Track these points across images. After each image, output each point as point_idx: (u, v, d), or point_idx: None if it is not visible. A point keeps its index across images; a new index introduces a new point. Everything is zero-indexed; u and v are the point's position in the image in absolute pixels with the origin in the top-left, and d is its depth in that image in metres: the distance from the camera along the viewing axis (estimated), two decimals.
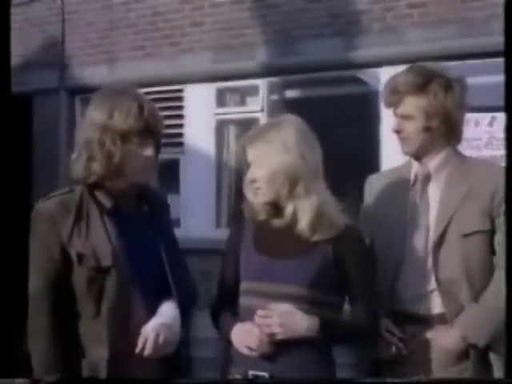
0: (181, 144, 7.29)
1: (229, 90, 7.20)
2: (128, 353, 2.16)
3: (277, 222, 2.35)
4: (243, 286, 2.37)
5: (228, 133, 7.28)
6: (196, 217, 7.12)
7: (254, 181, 2.35)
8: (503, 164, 2.51)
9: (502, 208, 2.48)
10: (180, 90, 7.35)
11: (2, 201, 2.41)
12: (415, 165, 2.66)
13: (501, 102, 2.58)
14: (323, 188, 2.33)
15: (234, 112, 7.20)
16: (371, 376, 2.66)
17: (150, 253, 2.30)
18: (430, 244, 2.54)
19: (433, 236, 2.54)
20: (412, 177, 2.66)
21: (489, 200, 2.51)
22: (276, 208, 2.34)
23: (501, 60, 2.67)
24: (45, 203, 2.24)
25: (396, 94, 2.59)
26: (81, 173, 2.23)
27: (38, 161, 7.96)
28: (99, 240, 2.19)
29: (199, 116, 7.20)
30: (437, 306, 2.53)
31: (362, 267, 2.32)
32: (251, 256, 2.38)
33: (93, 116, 2.23)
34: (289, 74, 6.81)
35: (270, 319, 2.22)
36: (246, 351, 2.25)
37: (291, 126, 2.33)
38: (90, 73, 7.64)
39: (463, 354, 2.49)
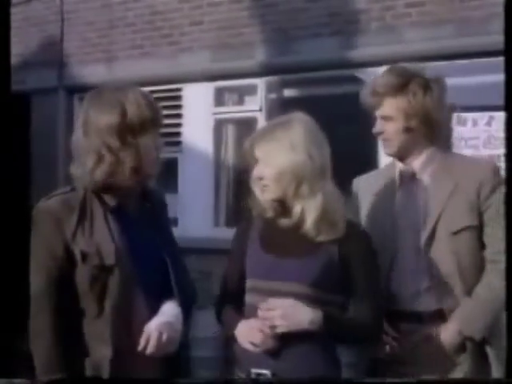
0: (179, 143, 7.29)
1: (227, 89, 7.20)
2: (131, 352, 2.16)
3: (284, 222, 2.36)
4: (249, 283, 2.39)
5: (226, 132, 7.28)
6: (194, 216, 7.11)
7: (261, 178, 2.36)
8: (502, 164, 2.53)
9: (489, 202, 2.53)
10: (178, 89, 7.35)
11: (1, 200, 2.41)
12: (399, 165, 2.68)
13: (499, 101, 2.59)
14: (331, 188, 2.34)
15: (233, 111, 7.20)
16: (370, 375, 2.67)
17: (152, 252, 2.31)
18: (421, 243, 2.56)
19: (423, 235, 2.56)
20: (397, 177, 2.68)
21: (475, 195, 2.53)
22: (283, 206, 2.36)
23: (499, 59, 2.68)
24: (47, 202, 2.24)
25: (375, 96, 2.62)
26: (102, 179, 2.20)
27: (37, 160, 7.96)
28: (103, 238, 2.19)
29: (197, 115, 7.19)
30: (432, 303, 2.55)
31: (368, 267, 2.33)
32: (257, 254, 2.39)
33: (101, 119, 2.20)
34: (287, 73, 6.81)
35: (273, 312, 2.22)
36: (249, 347, 2.26)
37: (300, 125, 2.34)
38: (89, 72, 7.64)
39: (460, 349, 2.52)
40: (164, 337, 2.16)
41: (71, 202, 2.23)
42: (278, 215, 2.38)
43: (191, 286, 2.46)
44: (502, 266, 2.46)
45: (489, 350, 2.52)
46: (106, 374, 2.17)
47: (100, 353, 2.18)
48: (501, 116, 5.42)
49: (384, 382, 2.54)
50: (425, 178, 2.62)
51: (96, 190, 2.24)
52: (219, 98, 7.18)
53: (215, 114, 7.17)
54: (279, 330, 2.22)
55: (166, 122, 6.85)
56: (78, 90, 7.52)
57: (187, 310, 2.32)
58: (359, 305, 2.32)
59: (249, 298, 2.38)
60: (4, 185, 2.45)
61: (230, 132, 7.29)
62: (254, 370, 2.30)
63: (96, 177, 2.20)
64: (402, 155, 2.65)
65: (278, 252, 2.32)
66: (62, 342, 2.16)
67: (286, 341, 2.25)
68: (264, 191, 2.36)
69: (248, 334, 2.28)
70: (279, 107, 6.91)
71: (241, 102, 7.26)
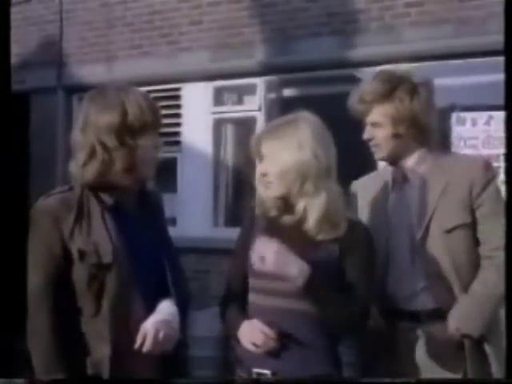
0: (178, 143, 7.29)
1: (226, 89, 7.20)
2: (129, 350, 2.16)
3: (287, 219, 2.37)
4: (251, 283, 2.39)
5: (225, 132, 7.27)
6: (193, 215, 7.11)
7: (265, 175, 2.36)
8: (501, 163, 2.54)
9: (481, 199, 2.54)
10: (178, 89, 7.35)
11: (0, 199, 2.41)
12: (391, 168, 2.71)
13: (498, 100, 2.59)
14: (335, 188, 2.35)
15: (232, 111, 7.20)
16: (368, 375, 2.67)
17: (150, 251, 2.31)
18: (415, 242, 2.56)
19: (417, 234, 2.57)
20: (390, 180, 2.70)
21: (467, 193, 2.55)
22: (286, 205, 2.36)
23: (499, 59, 2.68)
24: (46, 201, 2.24)
25: (363, 104, 2.64)
26: (93, 176, 2.22)
27: (36, 159, 7.95)
28: (100, 237, 2.20)
29: (197, 115, 7.19)
30: (429, 302, 2.56)
31: (362, 261, 2.32)
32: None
33: (101, 117, 2.21)
34: (286, 73, 6.81)
35: (265, 253, 2.21)
36: (251, 348, 2.27)
37: (307, 124, 2.35)
38: (88, 71, 7.64)
39: (458, 347, 2.51)
40: (161, 335, 2.17)
41: (69, 200, 2.24)
42: (281, 213, 2.38)
43: (187, 285, 2.47)
44: (497, 261, 2.48)
45: (487, 347, 2.53)
46: (105, 372, 2.18)
47: (99, 351, 2.18)
48: (500, 116, 5.42)
49: (383, 382, 2.54)
50: (416, 178, 2.64)
51: (92, 188, 2.25)
52: (218, 97, 7.18)
53: (214, 113, 7.17)
54: (268, 267, 2.20)
55: (165, 121, 6.86)
56: (77, 89, 7.51)
57: (184, 308, 2.32)
58: (348, 293, 2.31)
59: (251, 298, 2.39)
60: (3, 184, 2.45)
61: (229, 132, 7.29)
62: (255, 370, 2.30)
63: (87, 173, 2.22)
64: (393, 159, 2.69)
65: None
66: (60, 341, 2.16)
67: (287, 342, 2.26)
68: (268, 188, 2.37)
69: (250, 334, 2.28)
70: (278, 107, 6.91)
71: (240, 101, 7.26)
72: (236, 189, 7.23)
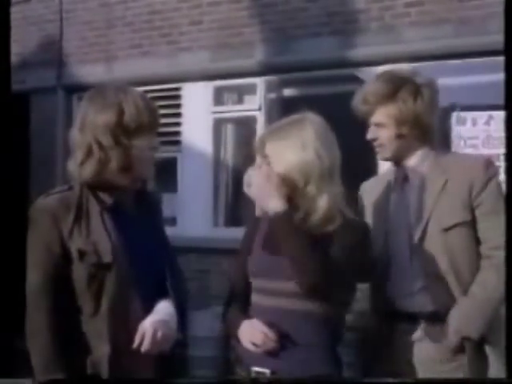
0: (178, 142, 7.29)
1: (226, 89, 7.20)
2: (128, 349, 2.17)
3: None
4: (252, 283, 2.41)
5: (226, 131, 7.27)
6: (193, 215, 7.11)
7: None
8: (501, 163, 2.53)
9: (481, 198, 2.53)
10: (177, 89, 7.35)
11: (0, 199, 2.41)
12: (394, 168, 2.71)
13: (498, 100, 2.59)
14: (338, 189, 2.35)
15: (232, 110, 7.20)
16: (367, 375, 2.67)
17: (148, 251, 2.32)
18: (414, 242, 2.56)
19: (416, 233, 2.56)
20: (392, 180, 2.71)
21: (467, 191, 2.54)
22: (289, 205, 2.36)
23: (498, 59, 2.68)
24: (45, 200, 2.25)
25: (366, 105, 2.65)
26: (91, 175, 2.23)
27: (36, 159, 7.96)
28: (100, 237, 2.20)
29: (197, 114, 7.19)
30: (428, 303, 2.55)
31: (350, 254, 2.29)
32: (259, 254, 2.42)
33: (98, 117, 2.23)
34: (286, 73, 6.81)
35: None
36: (250, 347, 2.28)
37: (311, 125, 2.36)
38: (88, 71, 7.64)
39: (459, 350, 2.51)
40: (159, 334, 2.18)
41: (68, 200, 2.25)
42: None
43: (185, 286, 2.48)
44: (496, 261, 2.47)
45: (488, 349, 2.52)
46: (104, 371, 2.18)
47: (98, 351, 2.19)
48: (500, 115, 5.42)
49: (383, 382, 2.54)
50: (417, 177, 2.64)
51: (91, 188, 2.26)
52: (218, 97, 7.18)
53: (214, 113, 7.16)
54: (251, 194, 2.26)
55: (165, 121, 6.88)
56: (77, 89, 7.51)
57: (181, 309, 2.33)
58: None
59: (253, 298, 2.41)
60: (3, 184, 2.45)
61: (229, 131, 7.29)
62: (254, 369, 2.31)
63: (85, 172, 2.23)
64: (396, 159, 2.70)
65: (276, 251, 2.33)
66: (59, 341, 2.16)
67: (287, 342, 2.27)
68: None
69: (250, 334, 2.29)
70: (279, 107, 6.92)
71: (240, 101, 7.26)
72: (236, 189, 7.23)
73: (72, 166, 2.27)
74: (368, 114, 2.66)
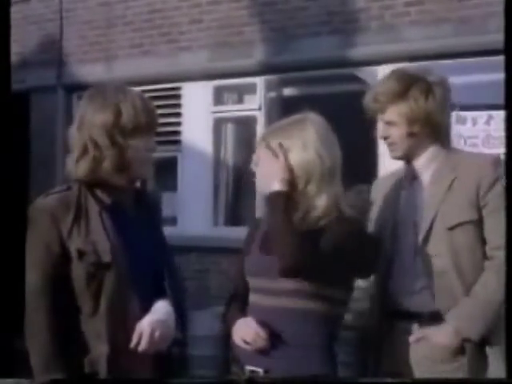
0: (178, 142, 7.29)
1: (226, 88, 7.20)
2: (126, 349, 2.18)
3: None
4: (250, 282, 2.41)
5: (226, 131, 7.28)
6: (193, 215, 7.12)
7: (254, 176, 2.39)
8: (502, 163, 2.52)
9: (488, 197, 2.51)
10: (177, 88, 7.35)
11: (0, 199, 2.41)
12: (405, 166, 2.71)
13: (497, 100, 2.59)
14: (338, 189, 2.36)
15: (232, 110, 7.20)
16: (366, 374, 2.67)
17: (147, 251, 2.32)
18: (419, 240, 2.55)
19: (421, 231, 2.56)
20: (402, 178, 2.70)
21: (474, 190, 2.52)
22: (290, 204, 2.37)
23: (498, 58, 2.68)
24: (45, 200, 2.26)
25: (377, 103, 2.63)
26: (85, 173, 2.24)
27: (36, 158, 7.96)
28: (99, 236, 2.21)
29: (197, 114, 7.19)
30: (430, 302, 2.54)
31: (339, 248, 2.29)
32: (256, 254, 2.42)
33: (96, 116, 2.24)
34: (286, 72, 6.81)
35: None
36: (241, 345, 2.29)
37: (313, 126, 2.36)
38: (88, 70, 7.64)
39: (459, 351, 2.49)
40: (156, 334, 2.18)
41: (67, 199, 2.25)
42: None
43: (182, 285, 2.49)
44: (497, 262, 2.45)
45: (488, 350, 2.49)
46: (103, 370, 2.18)
47: (97, 350, 2.19)
48: (499, 115, 5.42)
49: (381, 382, 2.54)
50: (427, 176, 2.63)
51: (90, 188, 2.27)
52: (218, 96, 7.19)
53: (214, 112, 7.17)
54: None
55: (166, 120, 6.89)
56: (77, 88, 7.51)
57: (179, 308, 2.33)
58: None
59: (251, 297, 2.41)
60: (3, 183, 2.45)
61: (229, 131, 7.29)
62: (248, 367, 2.32)
63: (79, 169, 2.24)
64: (407, 158, 2.67)
65: (272, 251, 2.34)
66: (58, 340, 2.17)
67: (280, 341, 2.28)
68: (258, 189, 2.38)
69: (242, 331, 2.31)
70: (279, 106, 6.92)
71: (240, 100, 7.27)
72: (236, 188, 7.23)
73: (69, 163, 2.28)
74: (379, 112, 2.65)
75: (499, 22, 2.67)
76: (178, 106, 7.33)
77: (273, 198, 2.29)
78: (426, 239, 2.54)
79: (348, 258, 2.29)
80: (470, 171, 2.56)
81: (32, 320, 2.19)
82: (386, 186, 2.76)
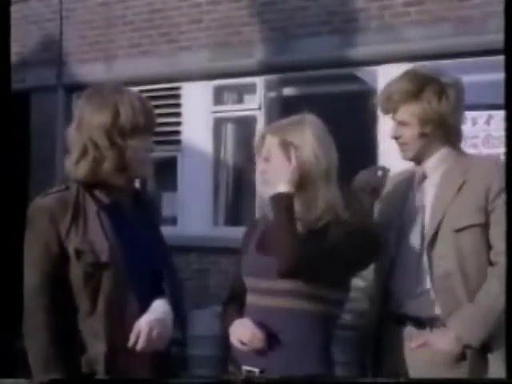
0: (178, 142, 7.29)
1: (226, 88, 7.20)
2: (124, 348, 2.18)
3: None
4: (247, 282, 2.41)
5: (225, 131, 7.28)
6: (193, 215, 7.12)
7: (264, 172, 2.38)
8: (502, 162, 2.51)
9: (497, 202, 2.49)
10: (177, 88, 7.35)
11: (0, 198, 2.42)
12: (414, 167, 2.69)
13: (497, 99, 2.58)
14: (334, 191, 2.36)
15: (232, 110, 7.20)
16: (365, 375, 2.66)
17: (144, 250, 2.33)
18: (425, 241, 2.54)
19: (428, 233, 2.54)
20: (411, 178, 2.68)
21: (483, 194, 2.50)
22: None
23: (497, 58, 2.68)
24: (43, 199, 2.26)
25: (391, 102, 2.62)
26: (85, 174, 2.24)
27: (36, 158, 7.96)
28: (97, 236, 2.21)
29: (197, 114, 7.19)
30: (432, 307, 2.52)
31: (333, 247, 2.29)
32: (252, 254, 2.43)
33: (94, 117, 2.25)
34: (286, 72, 6.81)
35: None
36: (238, 345, 2.30)
37: (310, 126, 2.37)
38: (88, 70, 7.64)
39: (460, 357, 2.47)
40: (154, 333, 2.18)
41: (66, 199, 2.26)
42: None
43: (181, 285, 2.49)
44: (499, 267, 2.42)
45: (490, 357, 2.47)
46: (101, 370, 2.19)
47: (95, 349, 2.19)
48: (499, 115, 5.43)
49: (376, 382, 2.53)
50: (435, 177, 2.61)
51: (88, 187, 2.28)
52: (218, 96, 7.19)
53: (214, 112, 7.17)
54: None
55: (165, 120, 6.89)
56: (77, 88, 7.50)
57: (177, 307, 2.34)
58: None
59: (248, 297, 2.41)
60: (3, 183, 2.46)
61: (229, 131, 7.29)
62: (245, 367, 2.32)
63: (79, 170, 2.25)
64: (418, 159, 2.65)
65: (269, 251, 2.34)
66: (56, 340, 2.17)
67: (277, 341, 2.28)
68: (266, 186, 2.38)
69: (238, 332, 2.31)
70: (279, 106, 6.92)
71: (240, 100, 7.27)
72: (236, 188, 7.24)
73: (68, 164, 2.29)
74: (391, 111, 2.64)
75: (499, 21, 2.67)
76: (178, 105, 7.33)
77: (280, 199, 2.28)
78: (433, 241, 2.52)
79: (344, 259, 2.30)
80: (480, 175, 2.53)
81: (30, 320, 2.20)
82: (392, 186, 2.75)
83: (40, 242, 2.22)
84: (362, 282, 4.17)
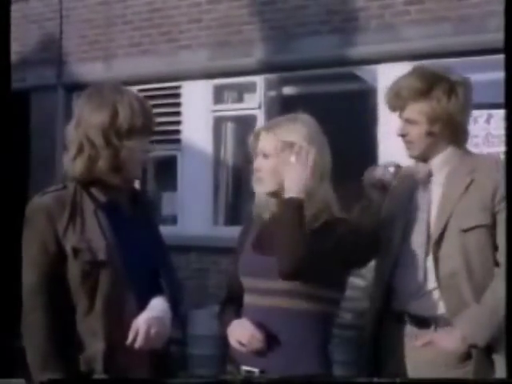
0: (178, 141, 7.28)
1: (226, 87, 7.20)
2: (123, 346, 2.18)
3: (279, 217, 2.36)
4: (244, 282, 2.41)
5: (225, 130, 7.28)
6: (193, 214, 7.11)
7: (258, 170, 2.39)
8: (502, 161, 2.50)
9: (503, 204, 2.46)
10: (177, 87, 7.35)
11: (0, 198, 2.42)
12: (420, 164, 2.67)
13: (497, 98, 2.58)
14: (328, 190, 2.36)
15: (232, 109, 7.20)
16: (364, 374, 2.65)
17: (142, 249, 2.34)
18: (431, 240, 2.53)
19: (434, 232, 2.53)
20: (416, 176, 2.66)
21: (490, 194, 2.49)
22: (279, 203, 2.36)
23: (497, 57, 2.68)
24: (41, 198, 2.27)
25: (399, 99, 2.59)
26: (81, 171, 2.25)
27: (36, 157, 7.96)
28: (94, 234, 2.22)
29: (197, 113, 7.19)
30: (437, 306, 2.52)
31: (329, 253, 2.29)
32: (248, 254, 2.43)
33: (93, 116, 2.25)
34: (286, 71, 6.81)
35: None
36: (237, 346, 2.29)
37: (304, 125, 2.37)
38: (88, 69, 7.64)
39: (466, 356, 2.46)
40: (152, 331, 2.19)
41: (63, 198, 2.27)
42: (274, 212, 2.39)
43: (179, 283, 2.49)
44: (504, 268, 2.40)
45: (495, 357, 2.46)
46: (99, 368, 2.19)
47: (93, 347, 2.20)
48: (499, 114, 5.42)
49: (371, 382, 2.53)
50: (441, 176, 2.60)
51: (85, 186, 2.29)
52: (218, 95, 7.18)
53: (214, 111, 7.17)
54: None
55: (165, 119, 6.89)
56: (77, 87, 7.50)
57: (175, 306, 2.34)
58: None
59: (246, 298, 2.41)
60: (3, 182, 2.46)
61: (229, 130, 7.29)
62: (244, 368, 2.32)
63: (76, 168, 2.26)
64: (424, 158, 2.63)
65: (266, 251, 2.34)
66: (54, 339, 2.17)
67: (276, 341, 2.28)
68: (260, 183, 2.39)
69: (237, 333, 2.31)
70: (278, 105, 6.92)
71: (240, 99, 7.27)
72: (236, 187, 7.23)
73: (66, 161, 2.29)
74: (399, 109, 2.62)
75: (499, 20, 2.67)
76: (178, 104, 7.33)
77: (293, 204, 2.26)
78: (439, 240, 2.51)
79: (341, 259, 2.30)
80: (487, 175, 2.52)
81: (28, 319, 2.20)
82: (397, 184, 2.73)
83: (38, 241, 2.22)
84: (362, 281, 4.17)
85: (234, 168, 7.25)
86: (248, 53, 6.86)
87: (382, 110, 5.90)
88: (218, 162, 7.21)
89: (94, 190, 2.29)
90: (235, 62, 6.90)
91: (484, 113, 5.70)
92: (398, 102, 2.61)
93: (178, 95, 7.34)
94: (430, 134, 2.57)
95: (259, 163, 2.39)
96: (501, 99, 2.45)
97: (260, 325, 2.28)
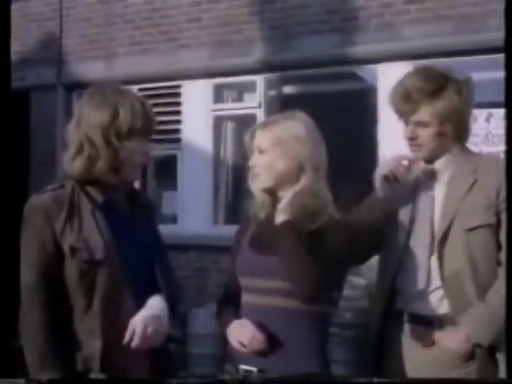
0: (178, 140, 7.28)
1: (226, 86, 7.20)
2: (120, 345, 2.18)
3: (275, 216, 2.36)
4: (242, 282, 2.40)
5: (225, 129, 7.28)
6: (193, 213, 7.12)
7: (254, 166, 2.40)
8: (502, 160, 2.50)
9: (506, 204, 2.45)
10: (177, 86, 7.35)
11: (0, 197, 2.42)
12: (424, 165, 2.66)
13: (497, 97, 2.58)
14: (323, 187, 2.36)
15: (232, 108, 7.20)
16: (365, 374, 2.65)
17: (139, 248, 2.34)
18: (435, 240, 2.52)
19: (438, 231, 2.53)
20: (420, 176, 2.65)
21: (494, 194, 2.49)
22: (274, 200, 2.37)
23: (498, 56, 2.68)
24: (39, 197, 2.27)
25: (410, 102, 2.56)
26: (80, 171, 2.25)
27: (36, 157, 7.96)
28: (91, 234, 2.22)
29: (197, 112, 7.19)
30: (441, 306, 2.51)
31: (329, 255, 2.29)
32: (245, 253, 2.43)
33: (93, 116, 2.26)
34: (286, 70, 6.81)
35: None
36: (238, 347, 2.29)
37: (299, 122, 2.37)
38: (88, 68, 7.64)
39: (469, 356, 2.46)
40: (149, 330, 2.18)
41: (61, 197, 2.27)
42: (270, 210, 2.39)
43: (177, 282, 2.49)
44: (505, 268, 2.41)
45: (499, 356, 2.45)
46: (96, 366, 2.19)
47: (91, 346, 2.20)
48: (499, 113, 5.43)
49: (371, 382, 2.53)
50: (445, 176, 2.59)
51: (83, 186, 2.29)
52: (218, 94, 7.19)
53: (214, 110, 7.17)
54: None
55: (165, 118, 6.89)
56: (77, 86, 7.51)
57: (173, 305, 2.34)
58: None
59: (244, 297, 2.41)
60: (3, 182, 2.46)
61: (229, 129, 7.29)
62: (242, 367, 2.32)
63: (75, 167, 2.26)
64: (431, 159, 2.62)
65: (264, 250, 2.34)
66: (53, 338, 2.17)
67: (275, 340, 2.27)
68: (255, 180, 2.39)
69: (238, 333, 2.30)
70: (278, 104, 6.92)
71: (240, 98, 7.27)
72: (236, 186, 7.23)
73: (65, 160, 2.30)
74: (410, 112, 2.57)
75: (499, 19, 2.67)
76: (178, 104, 7.33)
77: (287, 227, 2.27)
78: (443, 239, 2.51)
79: (340, 260, 2.30)
80: (490, 175, 2.52)
81: (27, 318, 2.20)
82: (402, 184, 2.72)
83: (36, 240, 2.23)
84: (362, 280, 4.18)
85: (233, 167, 7.25)
86: (248, 52, 6.86)
87: (381, 110, 5.91)
88: (217, 161, 7.22)
89: (91, 190, 2.29)
90: (235, 61, 6.90)
91: (484, 112, 5.70)
92: (407, 105, 2.57)
93: (177, 94, 7.35)
94: (439, 134, 2.56)
95: (255, 159, 2.40)
96: (501, 98, 2.45)
97: (260, 325, 2.28)
